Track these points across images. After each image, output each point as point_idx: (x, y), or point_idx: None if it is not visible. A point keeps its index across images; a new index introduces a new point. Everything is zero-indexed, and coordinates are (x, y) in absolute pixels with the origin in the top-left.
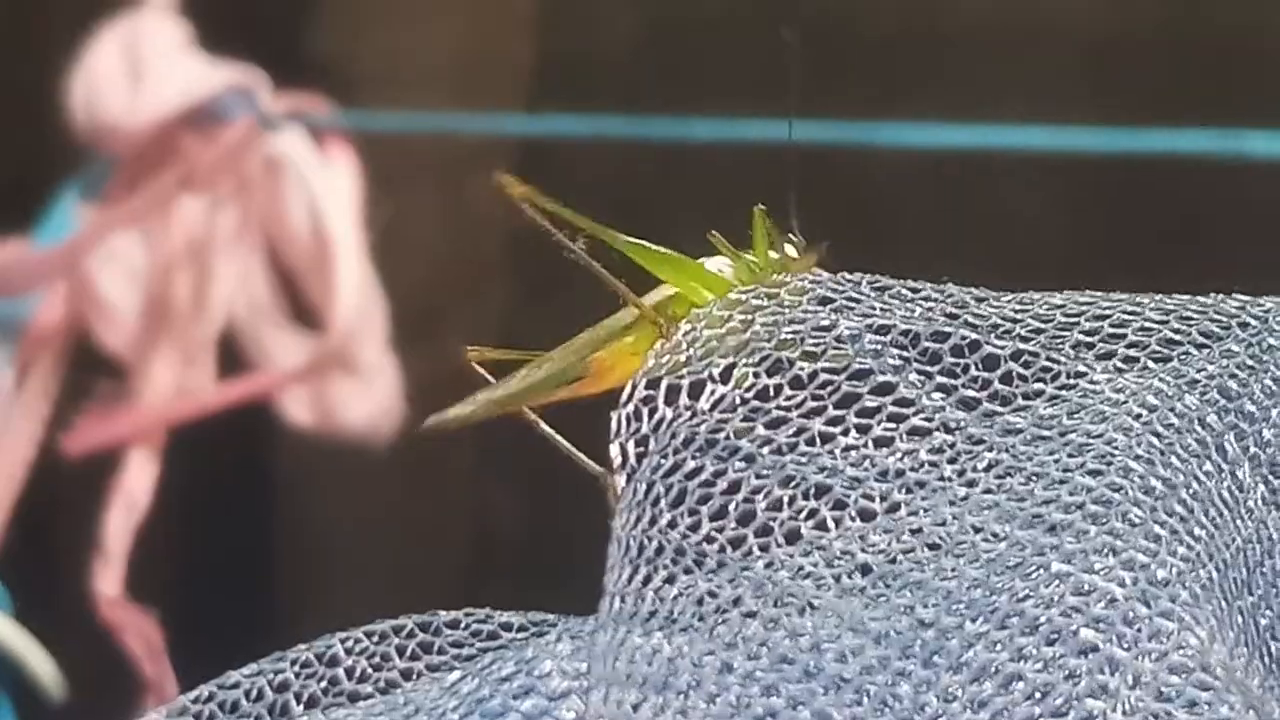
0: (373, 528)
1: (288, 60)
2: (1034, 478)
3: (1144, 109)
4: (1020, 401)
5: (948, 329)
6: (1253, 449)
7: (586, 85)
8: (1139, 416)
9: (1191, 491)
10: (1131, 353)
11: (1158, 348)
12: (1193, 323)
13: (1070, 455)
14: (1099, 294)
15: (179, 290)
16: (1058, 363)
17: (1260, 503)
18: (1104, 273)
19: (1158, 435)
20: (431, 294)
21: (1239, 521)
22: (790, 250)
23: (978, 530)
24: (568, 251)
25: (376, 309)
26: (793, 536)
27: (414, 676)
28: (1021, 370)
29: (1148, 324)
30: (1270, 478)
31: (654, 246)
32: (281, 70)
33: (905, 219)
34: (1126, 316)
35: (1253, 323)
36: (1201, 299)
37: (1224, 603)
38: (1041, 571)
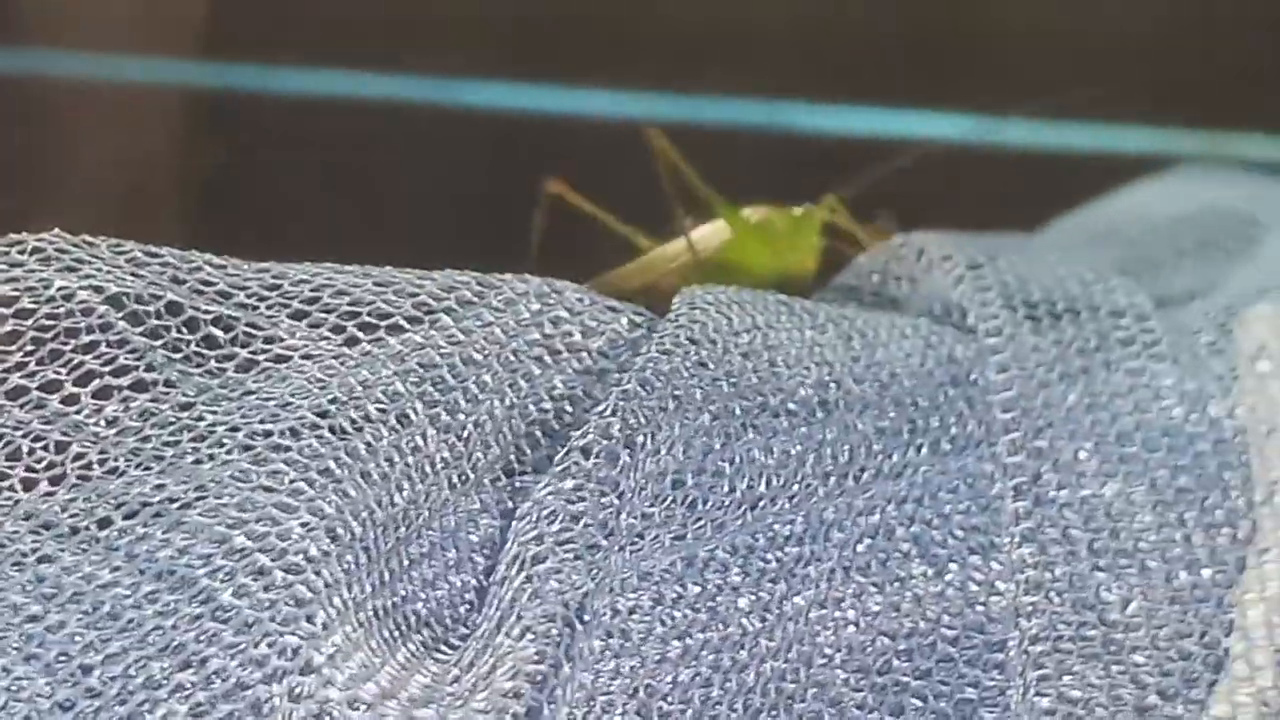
0: None
1: None
2: (205, 438)
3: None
4: (214, 364)
5: (159, 292)
6: (443, 416)
7: (274, 37)
8: (320, 382)
9: (359, 453)
10: (342, 322)
11: (370, 318)
12: (412, 296)
13: (244, 416)
14: (330, 265)
15: None
16: (258, 328)
17: (440, 467)
18: None
19: (335, 400)
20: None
21: (412, 482)
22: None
23: (162, 491)
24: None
25: None
26: None
27: None
28: (222, 334)
29: (367, 295)
30: (489, 442)
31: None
32: None
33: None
34: (348, 288)
35: (473, 298)
36: (431, 274)
37: (384, 566)
38: (201, 533)
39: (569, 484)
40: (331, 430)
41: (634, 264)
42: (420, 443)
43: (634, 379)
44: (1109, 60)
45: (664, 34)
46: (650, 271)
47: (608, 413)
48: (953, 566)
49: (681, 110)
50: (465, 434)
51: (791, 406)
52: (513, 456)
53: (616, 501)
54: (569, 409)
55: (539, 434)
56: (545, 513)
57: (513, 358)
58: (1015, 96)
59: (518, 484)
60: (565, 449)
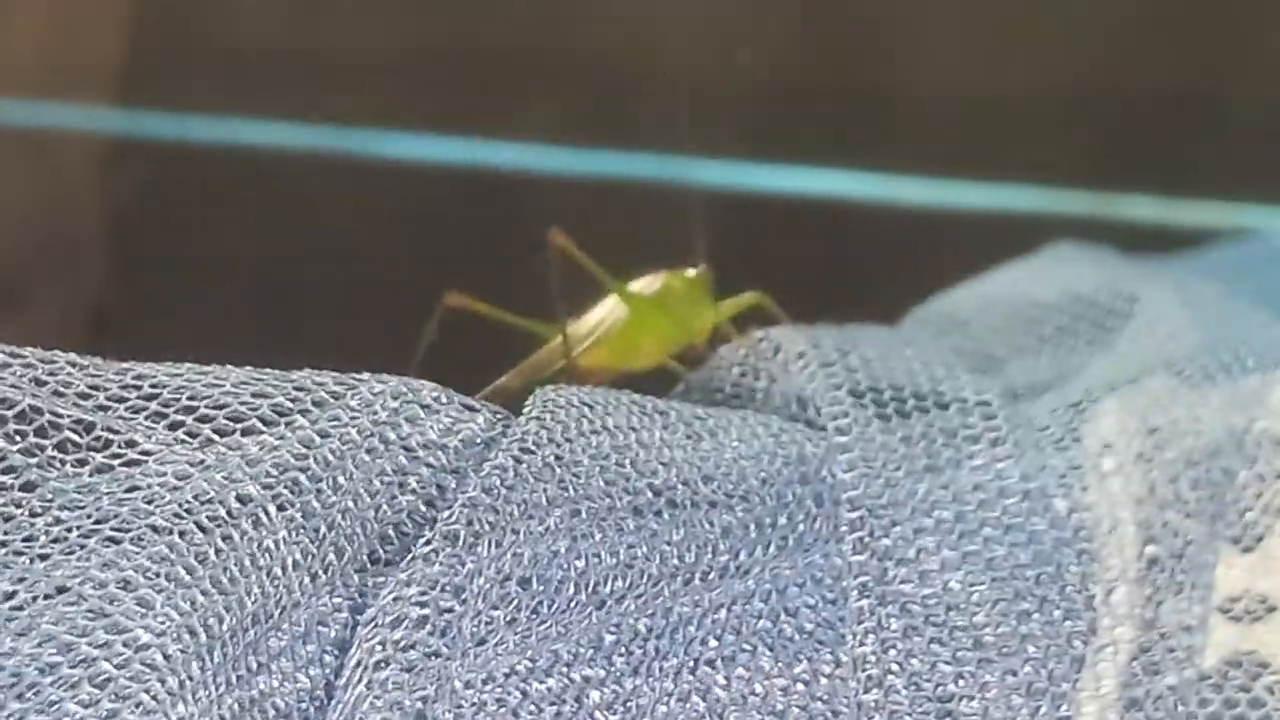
0: None
1: None
2: (61, 541)
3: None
4: (71, 468)
5: (19, 395)
6: (297, 519)
7: (188, 83)
8: (174, 486)
9: (209, 559)
10: (199, 425)
11: (226, 420)
12: (268, 398)
13: (98, 521)
14: (190, 365)
15: None
16: (116, 431)
17: (293, 568)
18: None
19: (188, 505)
20: (12, 276)
21: (263, 585)
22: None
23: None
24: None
25: None
26: None
27: None
28: (81, 436)
29: (225, 397)
30: (342, 544)
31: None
32: None
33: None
34: (206, 389)
35: (330, 399)
36: (290, 374)
37: (233, 670)
38: (50, 640)
39: (412, 590)
40: (183, 535)
41: (529, 361)
42: (273, 545)
43: (479, 484)
44: (1013, 121)
45: (571, 86)
46: (544, 366)
47: (452, 519)
48: (801, 660)
49: (585, 163)
50: (319, 535)
51: (639, 507)
52: (366, 557)
53: (459, 606)
54: (424, 508)
55: (393, 533)
56: (388, 619)
57: (368, 458)
58: (918, 155)
59: (370, 583)
60: (410, 555)
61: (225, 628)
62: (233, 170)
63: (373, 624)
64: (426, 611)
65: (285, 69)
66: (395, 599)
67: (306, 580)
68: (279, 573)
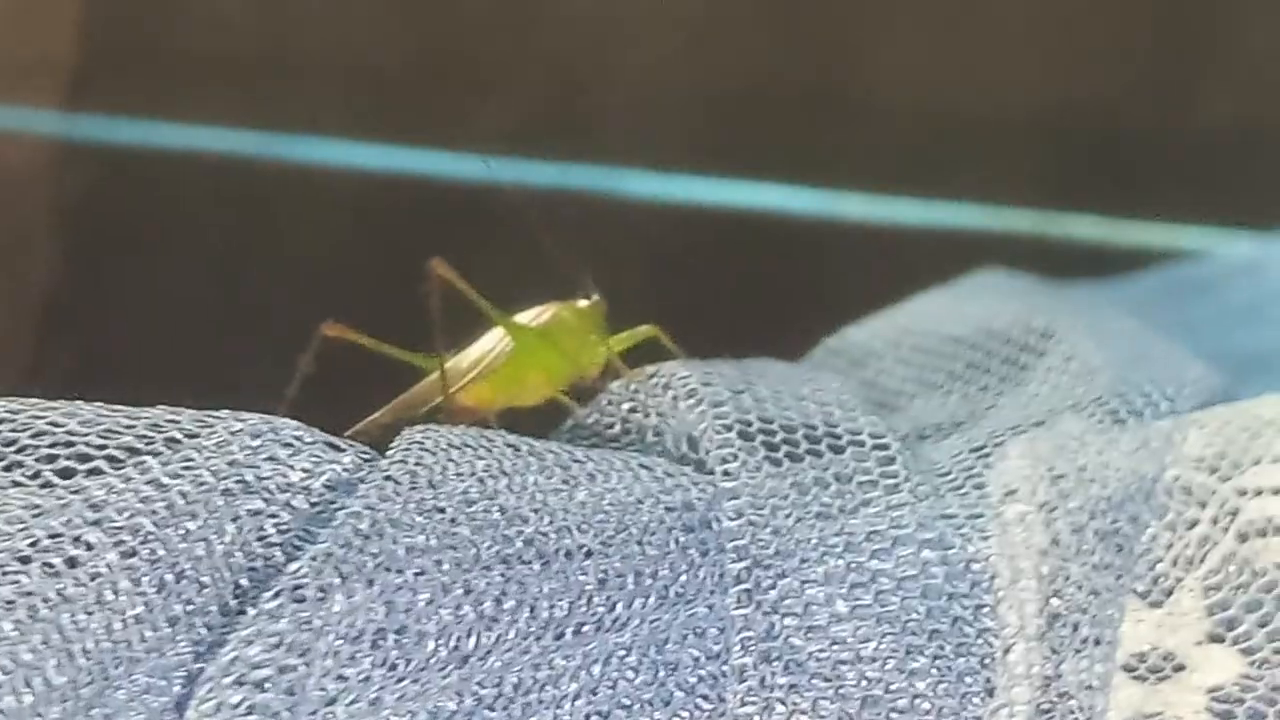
0: None
1: None
2: None
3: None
4: None
5: None
6: (141, 568)
7: (145, 88)
8: (5, 534)
9: (40, 614)
10: (40, 466)
11: (69, 462)
12: (116, 436)
13: None
14: (36, 400)
15: None
16: None
17: (134, 622)
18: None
19: (22, 555)
20: None
21: (99, 640)
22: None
23: None
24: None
25: None
26: None
27: None
28: None
29: (69, 436)
30: (189, 595)
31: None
32: None
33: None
34: (49, 428)
35: (183, 438)
36: (143, 411)
37: None
38: None
39: (254, 650)
40: (16, 586)
41: (405, 396)
42: (114, 596)
43: (331, 535)
44: (959, 138)
45: (510, 96)
46: (422, 402)
47: (300, 572)
48: (682, 717)
49: (524, 174)
50: (164, 585)
51: (507, 556)
52: (218, 607)
53: (305, 668)
54: (281, 555)
55: (247, 582)
56: (228, 680)
57: (222, 501)
58: (863, 171)
59: (220, 637)
60: (254, 611)
61: (63, 682)
62: (183, 174)
63: (210, 684)
64: (268, 672)
65: (236, 73)
66: (234, 659)
67: (150, 633)
68: (119, 626)
